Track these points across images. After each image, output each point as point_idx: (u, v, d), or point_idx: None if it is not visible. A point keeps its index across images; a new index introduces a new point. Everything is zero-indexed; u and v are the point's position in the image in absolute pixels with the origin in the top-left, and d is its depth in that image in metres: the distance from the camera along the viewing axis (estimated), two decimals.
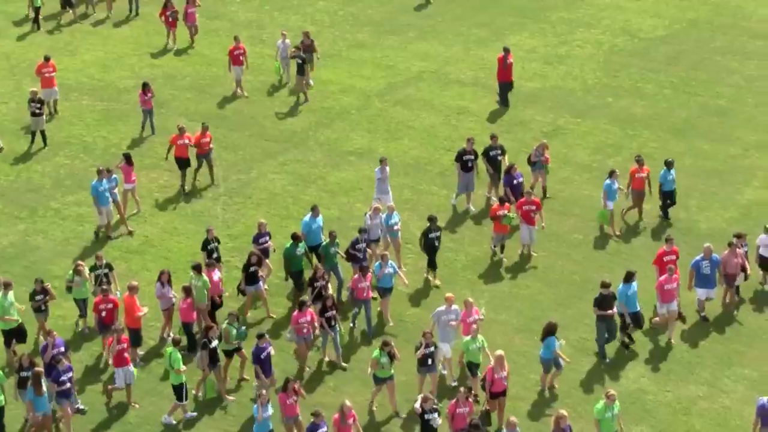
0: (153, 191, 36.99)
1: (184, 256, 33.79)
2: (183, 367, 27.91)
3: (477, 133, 39.53)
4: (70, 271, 30.66)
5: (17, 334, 29.67)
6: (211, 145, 37.15)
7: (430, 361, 28.08)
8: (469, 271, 33.40)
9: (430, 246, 32.37)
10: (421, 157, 38.97)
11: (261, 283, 31.40)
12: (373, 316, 30.87)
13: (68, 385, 27.22)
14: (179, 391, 27.99)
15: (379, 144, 39.69)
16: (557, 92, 42.94)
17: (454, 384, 28.72)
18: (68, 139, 40.12)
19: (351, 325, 30.82)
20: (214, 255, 31.72)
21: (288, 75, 43.32)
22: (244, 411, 28.42)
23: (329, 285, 30.67)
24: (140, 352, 30.08)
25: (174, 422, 28.16)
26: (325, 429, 25.75)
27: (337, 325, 29.44)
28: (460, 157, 35.46)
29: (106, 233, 34.64)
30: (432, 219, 32.44)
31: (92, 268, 30.83)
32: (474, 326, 28.30)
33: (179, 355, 27.96)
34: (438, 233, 32.40)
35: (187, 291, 29.99)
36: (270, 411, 26.43)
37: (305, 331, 28.97)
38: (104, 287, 29.94)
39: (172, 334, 30.21)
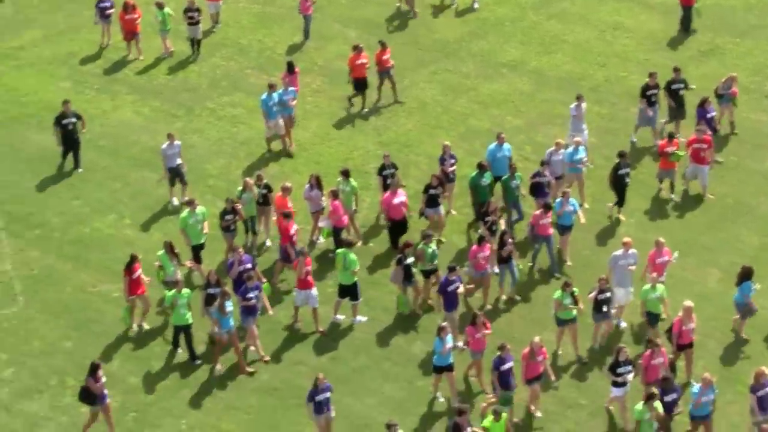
0: (306, 96, 37.30)
1: (334, 161, 34.16)
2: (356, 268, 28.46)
3: (631, 50, 39.03)
4: (239, 189, 30.63)
5: (201, 251, 29.84)
6: (391, 62, 36.49)
7: (605, 308, 27.28)
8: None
9: (619, 183, 31.27)
10: (574, 72, 38.62)
11: (441, 207, 30.73)
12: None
13: (254, 301, 27.20)
14: (354, 291, 28.40)
15: (531, 57, 39.44)
16: (717, 10, 41.99)
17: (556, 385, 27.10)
18: (224, 41, 40.63)
19: (530, 263, 29.90)
20: (388, 181, 30.95)
21: None
22: (429, 338, 28.43)
23: (501, 220, 30.01)
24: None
25: (340, 318, 28.74)
26: (511, 364, 25.47)
27: (514, 261, 28.77)
28: (644, 93, 33.99)
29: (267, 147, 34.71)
30: (622, 155, 31.25)
31: (222, 215, 30.12)
32: (653, 274, 27.42)
33: (354, 257, 28.37)
34: (628, 169, 31.28)
35: (334, 194, 30.34)
36: (450, 343, 26.00)
37: (483, 265, 28.40)
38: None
39: (322, 239, 30.77)
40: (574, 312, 27.11)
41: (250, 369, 27.47)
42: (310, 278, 28.13)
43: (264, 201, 30.69)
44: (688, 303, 26.53)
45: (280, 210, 30.28)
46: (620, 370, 25.39)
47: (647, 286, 27.23)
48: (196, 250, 29.78)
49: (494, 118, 36.42)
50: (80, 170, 33.63)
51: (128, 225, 32.07)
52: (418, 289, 28.93)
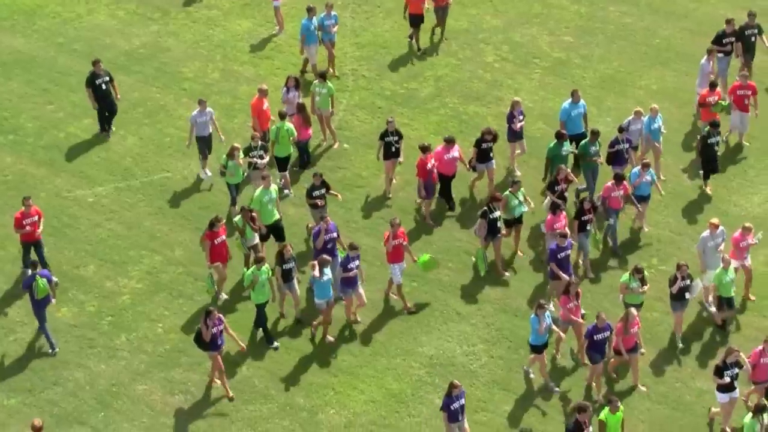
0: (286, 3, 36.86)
1: None
2: (292, 140, 28.91)
3: None
4: (224, 156, 28.61)
5: (275, 231, 27.73)
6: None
7: (687, 296, 25.55)
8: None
9: (709, 152, 29.30)
10: None
11: (492, 162, 29.22)
12: (622, 229, 28.49)
13: (355, 272, 25.82)
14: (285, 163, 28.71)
15: None
16: None
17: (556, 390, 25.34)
18: None
19: (600, 237, 27.82)
20: (393, 148, 29.18)
21: None
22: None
23: (568, 186, 28.05)
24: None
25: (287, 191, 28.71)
26: (607, 333, 24.36)
27: (591, 229, 27.21)
28: (719, 40, 32.21)
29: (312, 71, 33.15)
30: (714, 124, 29.32)
31: (246, 151, 28.85)
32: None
33: (292, 127, 28.94)
34: (718, 138, 29.30)
35: (299, 108, 30.01)
36: (548, 321, 24.62)
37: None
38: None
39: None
40: (643, 297, 25.62)
41: (330, 337, 26.23)
42: (401, 252, 26.54)
43: (254, 167, 28.83)
44: None
45: (256, 112, 30.12)
46: (728, 372, 23.60)
47: (719, 269, 25.80)
48: (268, 231, 27.61)
49: (472, 17, 36.10)
50: (113, 130, 31.41)
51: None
52: (498, 248, 27.50)
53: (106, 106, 31.23)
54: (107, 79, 30.98)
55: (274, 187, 27.63)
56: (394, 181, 29.75)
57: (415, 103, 32.84)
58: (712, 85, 30.63)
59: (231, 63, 34.26)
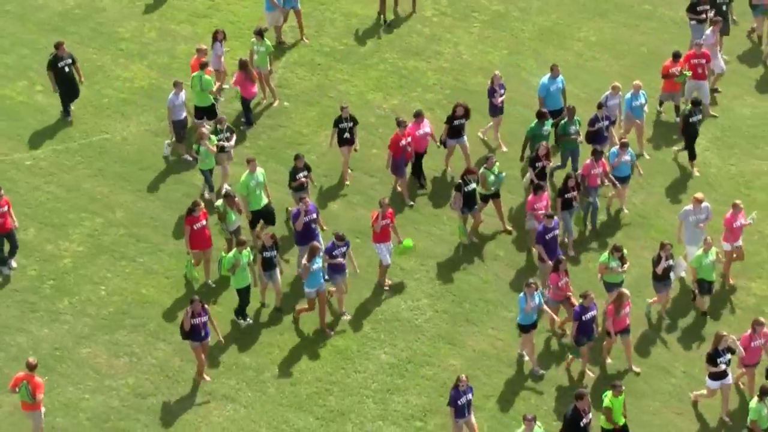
0: None
1: (249, 20, 33.62)
2: (214, 88, 28.93)
3: None
4: (195, 145, 28.11)
5: (265, 215, 27.10)
6: None
7: (671, 276, 25.23)
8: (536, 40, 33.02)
9: (691, 131, 28.65)
10: None
11: (464, 138, 28.69)
12: (602, 207, 28.03)
13: (341, 259, 25.31)
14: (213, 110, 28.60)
15: None
16: None
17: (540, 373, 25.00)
18: None
19: (582, 216, 27.45)
20: (345, 135, 28.50)
21: None
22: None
23: (550, 164, 27.78)
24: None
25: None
26: (594, 312, 24.10)
27: (576, 206, 26.81)
28: (694, 8, 31.50)
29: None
30: (695, 102, 28.64)
31: (215, 132, 28.14)
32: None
33: (210, 79, 28.94)
34: (699, 116, 28.68)
35: (242, 65, 29.77)
36: (537, 300, 24.28)
37: (541, 216, 26.07)
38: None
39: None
40: (622, 276, 25.19)
41: (331, 332, 25.58)
42: (389, 232, 26.09)
43: (222, 149, 28.10)
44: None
45: (194, 69, 29.89)
46: (721, 360, 23.26)
47: (700, 252, 25.22)
48: (256, 217, 27.00)
49: None
50: (69, 119, 30.57)
51: (39, 92, 31.44)
52: (478, 216, 27.36)
53: (69, 90, 30.42)
54: (70, 61, 30.08)
55: (260, 171, 26.89)
56: (351, 171, 29.02)
57: (355, 59, 32.71)
58: (675, 56, 29.76)
59: (168, 22, 33.91)
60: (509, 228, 27.70)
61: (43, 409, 23.20)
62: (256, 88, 30.21)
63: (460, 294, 26.32)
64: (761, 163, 29.58)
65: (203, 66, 29.38)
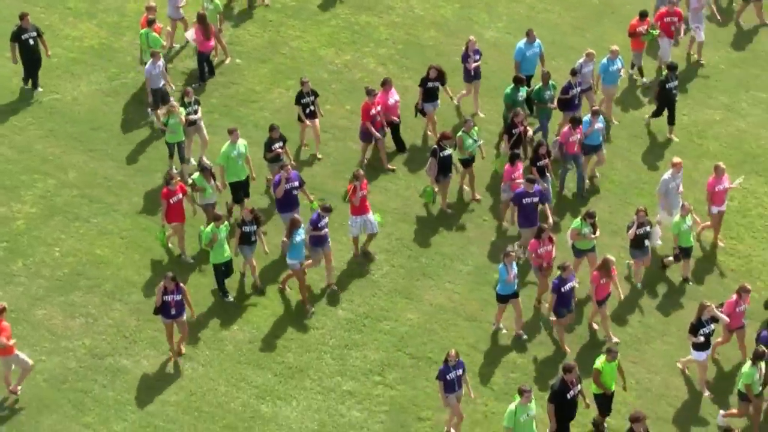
0: None
1: None
2: (162, 48, 28.91)
3: None
4: (164, 118, 27.49)
5: (244, 188, 26.74)
6: None
7: (646, 243, 24.99)
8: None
9: (667, 97, 28.30)
10: None
11: (438, 101, 28.43)
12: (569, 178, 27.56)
13: (325, 231, 24.92)
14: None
15: None
16: None
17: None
18: None
19: (558, 186, 27.21)
20: (308, 110, 28.10)
21: None
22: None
23: (529, 129, 27.52)
24: None
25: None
26: (573, 283, 23.72)
27: (549, 176, 26.49)
28: None
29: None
30: (671, 67, 28.30)
31: (183, 105, 27.59)
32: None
33: (157, 36, 28.93)
34: (676, 82, 28.29)
35: (200, 18, 29.56)
36: (515, 270, 23.96)
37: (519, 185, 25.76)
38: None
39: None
40: (593, 243, 24.91)
41: (311, 308, 25.18)
42: (366, 203, 25.72)
43: (191, 123, 27.67)
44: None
45: (143, 27, 29.62)
46: (703, 330, 23.01)
47: (678, 218, 25.00)
48: (236, 189, 26.60)
49: None
50: (40, 90, 30.11)
51: None
52: (446, 187, 27.03)
53: (33, 63, 29.80)
54: (34, 34, 29.50)
55: (242, 142, 26.40)
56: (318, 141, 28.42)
57: (306, 14, 32.53)
58: (642, 15, 29.56)
59: None
60: (478, 197, 27.48)
61: (18, 352, 23.01)
62: (212, 43, 30.01)
63: (416, 249, 26.34)
64: (713, 112, 29.75)
65: (150, 23, 29.14)
